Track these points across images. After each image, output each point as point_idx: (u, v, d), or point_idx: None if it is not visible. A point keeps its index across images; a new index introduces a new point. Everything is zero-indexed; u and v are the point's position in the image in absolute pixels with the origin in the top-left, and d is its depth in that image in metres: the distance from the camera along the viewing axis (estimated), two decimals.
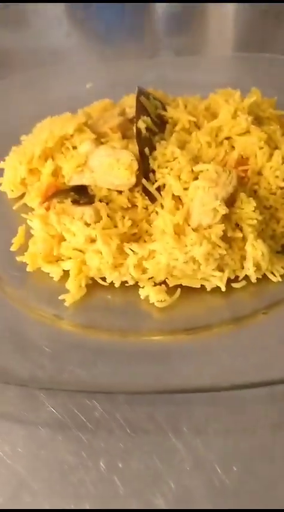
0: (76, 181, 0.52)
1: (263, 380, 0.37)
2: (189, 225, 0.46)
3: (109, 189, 0.50)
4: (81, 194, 0.51)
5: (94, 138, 0.54)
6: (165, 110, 0.56)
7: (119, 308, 0.46)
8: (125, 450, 0.37)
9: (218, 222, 0.45)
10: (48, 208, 0.50)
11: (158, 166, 0.50)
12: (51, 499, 0.35)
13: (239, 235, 0.46)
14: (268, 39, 0.88)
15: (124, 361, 0.40)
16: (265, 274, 0.46)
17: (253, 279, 0.46)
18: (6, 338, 0.43)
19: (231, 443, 0.37)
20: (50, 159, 0.54)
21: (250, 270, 0.45)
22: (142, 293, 0.46)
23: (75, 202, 0.50)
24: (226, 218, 0.46)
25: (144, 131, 0.52)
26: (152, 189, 0.48)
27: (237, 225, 0.47)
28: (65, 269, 0.48)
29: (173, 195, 0.48)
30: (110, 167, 0.50)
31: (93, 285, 0.47)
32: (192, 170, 0.48)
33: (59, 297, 0.46)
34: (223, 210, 0.45)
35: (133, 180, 0.49)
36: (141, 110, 0.54)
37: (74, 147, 0.55)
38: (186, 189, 0.48)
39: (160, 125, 0.55)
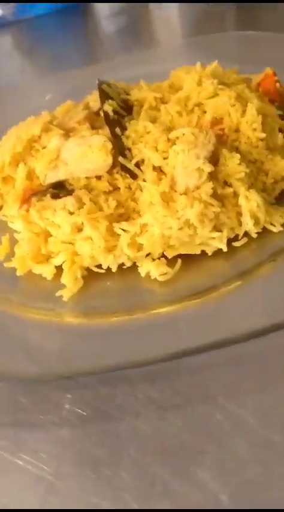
0: (52, 178, 0.50)
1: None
2: (175, 191, 0.44)
3: (87, 178, 0.48)
4: (60, 190, 0.49)
5: (62, 133, 0.53)
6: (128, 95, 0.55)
7: (121, 291, 0.43)
8: (156, 429, 0.33)
9: (205, 181, 0.43)
10: (28, 209, 0.48)
11: (132, 143, 0.48)
12: (85, 498, 0.31)
13: (230, 190, 0.44)
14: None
15: (135, 337, 0.37)
16: (264, 228, 0.44)
17: (254, 234, 0.43)
18: (10, 342, 0.40)
19: (266, 399, 0.34)
20: (22, 163, 0.52)
21: (248, 224, 0.43)
22: (143, 270, 0.43)
23: (55, 196, 0.48)
24: (212, 177, 0.44)
25: (111, 113, 0.50)
26: (131, 165, 0.46)
27: (226, 182, 0.45)
28: (57, 264, 0.45)
29: (154, 166, 0.46)
30: (83, 155, 0.48)
31: (89, 275, 0.45)
32: (168, 139, 0.47)
33: (56, 294, 0.43)
34: (207, 167, 0.43)
35: (110, 160, 0.47)
36: (105, 96, 0.53)
37: (44, 147, 0.53)
38: (165, 158, 0.46)
39: (127, 109, 0.53)
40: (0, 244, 0.49)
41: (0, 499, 0.32)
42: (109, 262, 0.44)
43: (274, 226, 0.44)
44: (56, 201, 0.47)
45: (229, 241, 0.43)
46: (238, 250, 0.43)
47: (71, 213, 0.45)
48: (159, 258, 0.43)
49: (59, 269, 0.45)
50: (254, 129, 0.47)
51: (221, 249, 0.43)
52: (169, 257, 0.43)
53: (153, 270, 0.43)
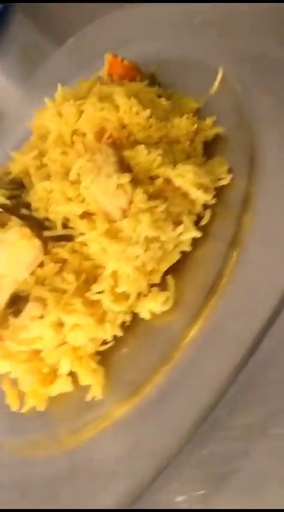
0: (1, 300, 0.45)
1: None
2: (115, 222, 0.39)
3: (32, 273, 0.43)
4: (16, 304, 0.44)
5: None
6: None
7: (144, 347, 0.38)
8: None
9: (133, 191, 0.39)
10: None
11: (46, 211, 0.43)
12: None
13: (160, 181, 0.40)
14: None
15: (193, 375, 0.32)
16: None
17: (212, 200, 0.39)
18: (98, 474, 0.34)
19: None
20: None
21: (200, 197, 0.39)
22: (145, 314, 0.38)
23: (16, 313, 0.43)
24: (136, 182, 0.40)
25: (7, 202, 0.46)
26: (59, 231, 0.42)
27: (151, 178, 0.41)
28: (67, 372, 0.40)
29: (80, 216, 0.42)
30: (11, 256, 0.43)
31: (103, 358, 0.40)
32: (72, 182, 0.42)
33: (86, 399, 0.38)
34: (125, 177, 0.39)
35: (37, 242, 0.42)
36: None
37: None
38: (82, 201, 0.41)
39: (18, 185, 0.49)
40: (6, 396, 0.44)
41: None
42: (110, 330, 0.39)
43: (224, 178, 0.39)
44: (21, 317, 0.42)
45: (198, 224, 0.39)
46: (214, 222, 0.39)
47: (41, 316, 0.41)
48: (149, 290, 0.39)
49: (72, 375, 0.40)
50: (137, 113, 0.43)
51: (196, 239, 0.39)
52: (158, 281, 0.39)
53: (153, 305, 0.38)
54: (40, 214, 0.44)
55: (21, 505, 0.38)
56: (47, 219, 0.43)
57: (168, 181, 0.40)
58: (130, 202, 0.39)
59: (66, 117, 0.47)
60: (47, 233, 0.42)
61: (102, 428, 0.37)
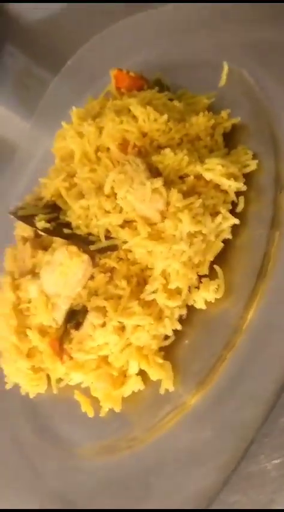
0: (60, 316, 0.47)
1: None
2: (156, 224, 0.42)
3: (84, 287, 0.46)
4: (75, 317, 0.47)
5: (30, 278, 0.50)
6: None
7: (197, 334, 0.41)
8: None
9: (167, 192, 0.41)
10: (70, 357, 0.45)
11: (86, 227, 0.46)
12: None
13: (191, 178, 0.42)
14: None
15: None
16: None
17: (244, 187, 0.41)
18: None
19: None
20: (21, 335, 0.49)
21: (232, 185, 0.41)
22: (200, 305, 0.41)
23: (77, 326, 0.45)
24: (168, 183, 0.42)
25: (48, 225, 0.48)
26: (103, 243, 0.44)
27: (181, 177, 0.43)
28: (136, 372, 0.42)
29: (120, 225, 0.44)
30: (63, 274, 0.46)
31: (166, 354, 0.42)
32: (107, 196, 0.45)
33: (160, 393, 0.40)
34: (158, 181, 0.41)
35: (86, 257, 0.45)
36: (28, 219, 0.51)
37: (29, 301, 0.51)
38: (120, 211, 0.44)
39: (54, 208, 0.52)
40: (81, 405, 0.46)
41: None
42: (169, 325, 0.41)
43: (250, 164, 0.42)
44: (83, 328, 0.44)
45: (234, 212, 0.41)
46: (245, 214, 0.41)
47: (103, 324, 0.43)
48: (200, 282, 0.41)
49: (141, 373, 0.42)
50: (155, 119, 0.46)
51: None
52: (207, 272, 0.41)
53: (206, 295, 0.40)
54: (82, 231, 0.46)
55: (117, 503, 0.40)
56: (90, 234, 0.46)
57: (198, 177, 0.42)
58: (167, 203, 0.41)
59: (87, 136, 0.49)
60: (92, 247, 0.45)
61: (179, 418, 0.39)
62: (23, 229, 0.55)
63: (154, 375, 0.41)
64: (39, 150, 0.67)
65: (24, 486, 0.48)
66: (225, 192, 0.41)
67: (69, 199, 0.48)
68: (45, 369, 0.49)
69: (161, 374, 0.41)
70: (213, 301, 0.40)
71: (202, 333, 0.41)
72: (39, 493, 0.46)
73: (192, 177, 0.42)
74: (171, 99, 0.50)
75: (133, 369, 0.42)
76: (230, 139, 0.45)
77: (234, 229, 0.41)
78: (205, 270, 0.41)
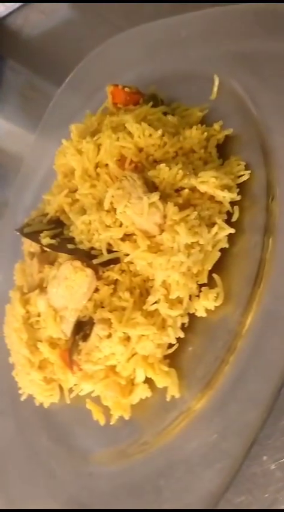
0: (68, 328, 0.49)
1: None
2: (154, 237, 0.43)
3: (90, 299, 0.48)
4: (83, 328, 0.48)
5: (38, 292, 0.52)
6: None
7: (200, 341, 0.42)
8: None
9: (164, 206, 0.43)
10: (80, 368, 0.47)
11: (89, 242, 0.48)
12: None
13: (186, 191, 0.43)
14: None
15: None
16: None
17: (238, 197, 0.43)
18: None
19: None
20: (32, 348, 0.51)
21: (226, 196, 0.43)
22: (201, 312, 0.42)
23: (85, 337, 0.47)
24: (164, 197, 0.44)
25: (53, 241, 0.50)
26: (105, 256, 0.46)
27: (177, 190, 0.44)
28: (143, 380, 0.44)
29: (120, 239, 0.46)
30: (69, 288, 0.47)
31: (171, 361, 0.43)
32: (107, 211, 0.46)
33: (166, 400, 0.42)
34: (155, 195, 0.43)
35: (89, 271, 0.46)
36: (33, 235, 0.53)
37: (38, 315, 0.53)
38: (120, 225, 0.45)
39: (57, 223, 0.54)
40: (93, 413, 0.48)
41: None
42: (173, 334, 0.43)
43: (243, 174, 0.43)
44: (90, 340, 0.46)
45: (230, 221, 0.43)
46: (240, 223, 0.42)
47: (109, 335, 0.45)
48: (200, 290, 0.43)
49: (148, 381, 0.44)
50: (150, 135, 0.47)
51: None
52: (206, 280, 0.42)
53: (206, 303, 0.42)
54: (85, 246, 0.48)
55: (131, 506, 0.42)
56: (92, 248, 0.48)
57: (193, 189, 0.44)
58: (164, 216, 0.43)
59: (86, 153, 0.51)
60: (95, 261, 0.46)
61: (186, 422, 0.41)
62: (29, 245, 0.57)
63: (160, 382, 0.43)
64: (44, 161, 0.69)
65: (43, 494, 0.49)
66: (220, 202, 0.43)
67: (72, 215, 0.50)
68: (57, 380, 0.51)
69: (167, 381, 0.42)
70: (213, 308, 0.42)
71: (204, 339, 0.42)
72: (58, 500, 0.48)
73: (187, 190, 0.43)
74: (165, 113, 0.51)
75: (140, 377, 0.44)
76: (223, 150, 0.47)
77: (230, 237, 0.42)
78: (204, 279, 0.42)
